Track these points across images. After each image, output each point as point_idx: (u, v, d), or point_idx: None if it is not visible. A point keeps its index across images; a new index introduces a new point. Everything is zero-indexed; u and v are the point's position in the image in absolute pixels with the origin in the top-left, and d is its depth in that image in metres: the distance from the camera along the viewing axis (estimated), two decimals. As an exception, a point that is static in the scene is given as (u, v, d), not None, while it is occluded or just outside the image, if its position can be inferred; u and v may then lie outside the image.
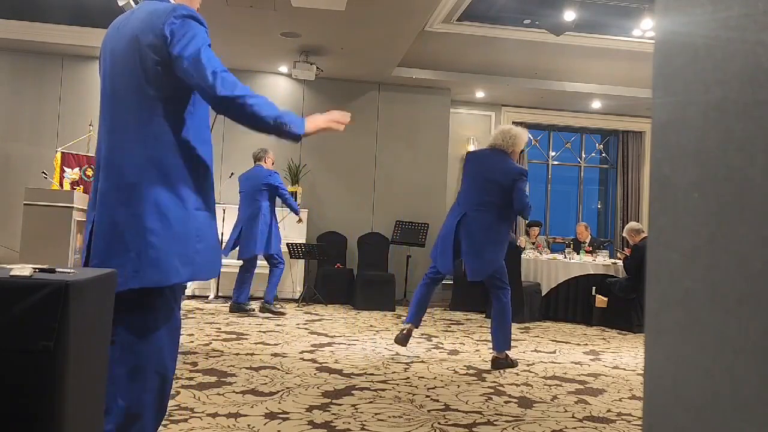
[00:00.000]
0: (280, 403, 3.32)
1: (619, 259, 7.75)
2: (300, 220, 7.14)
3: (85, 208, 4.27)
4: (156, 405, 2.11)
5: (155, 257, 1.99)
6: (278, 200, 6.68)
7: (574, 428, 3.18)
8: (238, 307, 6.65)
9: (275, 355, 4.61)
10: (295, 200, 8.23)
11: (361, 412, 3.22)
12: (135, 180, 2.03)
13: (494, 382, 4.11)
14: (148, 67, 2.04)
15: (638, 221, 9.48)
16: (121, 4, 5.34)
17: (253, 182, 6.61)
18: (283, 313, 6.68)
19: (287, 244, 7.41)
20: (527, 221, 9.63)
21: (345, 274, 8.28)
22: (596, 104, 9.77)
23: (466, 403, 3.54)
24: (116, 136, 2.10)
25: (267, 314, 6.60)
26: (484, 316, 7.52)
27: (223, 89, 1.98)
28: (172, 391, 3.41)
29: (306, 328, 5.94)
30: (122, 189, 2.04)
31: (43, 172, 6.74)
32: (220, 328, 5.66)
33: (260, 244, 6.47)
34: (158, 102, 2.05)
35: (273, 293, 6.76)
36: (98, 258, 2.05)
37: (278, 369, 4.14)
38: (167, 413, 3.00)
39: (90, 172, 6.83)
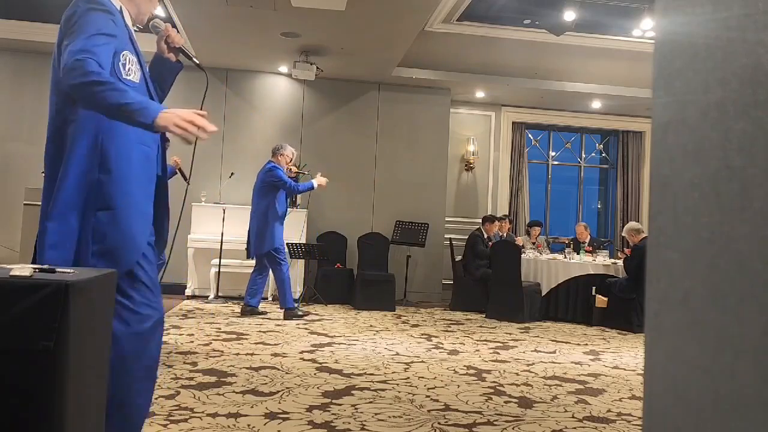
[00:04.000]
0: (280, 403, 3.32)
1: (619, 259, 7.75)
2: (323, 185, 6.65)
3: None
4: (142, 396, 2.09)
5: (53, 259, 1.96)
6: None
7: (574, 428, 3.18)
8: (251, 310, 6.57)
9: (275, 355, 4.61)
10: (296, 200, 8.20)
11: (361, 412, 3.22)
12: (51, 176, 2.07)
13: (494, 382, 4.11)
14: (57, 58, 2.04)
15: (638, 221, 9.47)
16: None
17: (258, 178, 6.55)
18: (303, 315, 6.55)
19: (287, 244, 7.38)
20: (528, 223, 9.64)
21: (345, 274, 8.27)
22: (596, 104, 9.77)
23: (466, 403, 3.54)
24: (49, 128, 2.11)
25: (292, 320, 6.41)
26: (484, 316, 7.52)
27: (71, 77, 1.89)
28: (172, 391, 3.41)
29: (306, 328, 5.94)
30: (49, 184, 2.08)
31: (43, 172, 6.74)
32: (220, 328, 5.66)
33: (260, 242, 6.39)
34: (67, 95, 2.02)
35: (287, 297, 6.51)
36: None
37: (278, 369, 4.14)
38: (167, 413, 3.00)
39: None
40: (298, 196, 8.13)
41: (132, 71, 2.07)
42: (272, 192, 6.43)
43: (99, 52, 1.93)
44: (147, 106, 1.91)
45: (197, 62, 2.42)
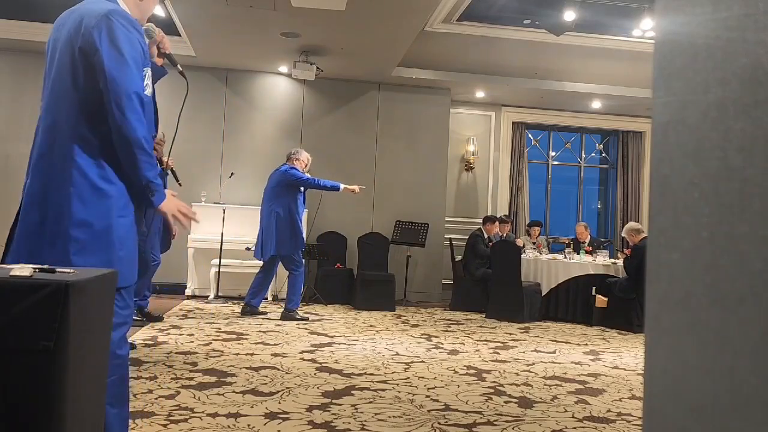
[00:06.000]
0: (280, 403, 3.32)
1: (619, 259, 7.75)
2: (354, 191, 6.75)
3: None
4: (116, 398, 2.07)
5: (83, 264, 1.95)
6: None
7: (574, 428, 3.18)
8: (252, 310, 6.57)
9: (275, 355, 4.61)
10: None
11: (361, 412, 3.22)
12: (63, 182, 2.00)
13: (494, 382, 4.11)
14: (77, 70, 2.02)
15: (638, 221, 9.47)
16: None
17: (272, 180, 6.55)
18: (306, 318, 6.53)
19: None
20: (527, 223, 9.64)
21: (345, 274, 8.28)
22: (596, 104, 9.77)
23: (466, 403, 3.54)
24: (52, 134, 2.07)
25: (289, 321, 6.38)
26: (484, 316, 7.52)
27: (133, 119, 1.98)
28: (172, 391, 3.41)
29: (306, 328, 5.94)
30: (50, 190, 2.02)
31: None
32: (220, 328, 5.66)
33: (286, 243, 6.36)
34: (88, 105, 2.02)
35: (295, 298, 6.51)
36: (24, 255, 2.00)
37: (278, 369, 4.14)
38: (167, 413, 3.00)
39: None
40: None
41: (148, 86, 2.11)
42: (291, 193, 6.44)
43: (143, 92, 2.06)
44: (162, 190, 2.12)
45: (180, 69, 2.56)
